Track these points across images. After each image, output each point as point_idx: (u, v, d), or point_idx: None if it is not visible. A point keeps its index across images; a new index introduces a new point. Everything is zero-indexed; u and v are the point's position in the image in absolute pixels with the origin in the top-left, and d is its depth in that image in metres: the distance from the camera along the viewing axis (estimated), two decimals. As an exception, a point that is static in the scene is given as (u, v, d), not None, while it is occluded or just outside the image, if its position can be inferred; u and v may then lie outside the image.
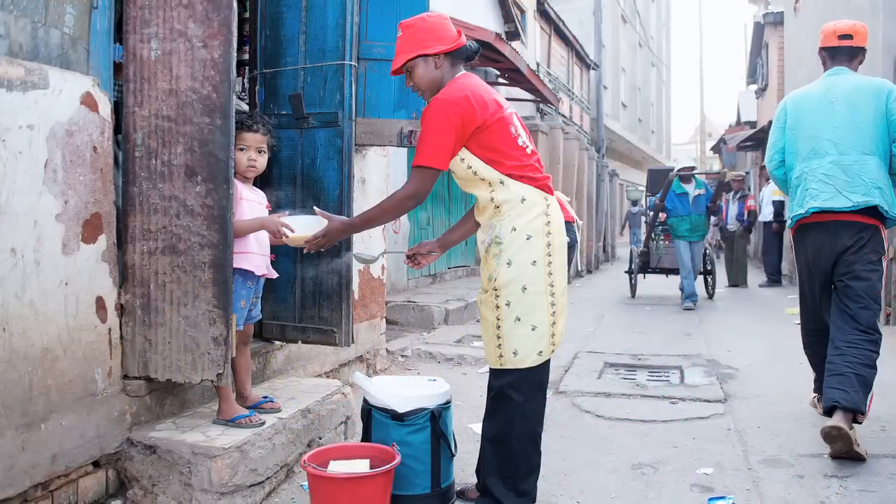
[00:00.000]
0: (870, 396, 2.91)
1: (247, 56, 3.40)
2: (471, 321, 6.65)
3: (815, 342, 3.35)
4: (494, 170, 2.25)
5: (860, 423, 2.92)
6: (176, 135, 2.38)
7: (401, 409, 2.40)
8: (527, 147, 2.33)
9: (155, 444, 2.35)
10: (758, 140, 14.45)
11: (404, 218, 7.65)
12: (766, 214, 10.52)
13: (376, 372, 4.49)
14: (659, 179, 10.66)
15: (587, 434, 3.30)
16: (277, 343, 3.35)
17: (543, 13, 14.65)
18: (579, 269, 12.18)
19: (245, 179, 2.64)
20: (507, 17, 11.78)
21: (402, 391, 2.48)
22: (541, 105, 12.68)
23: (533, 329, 2.25)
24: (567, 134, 11.94)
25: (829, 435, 2.78)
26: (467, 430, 3.27)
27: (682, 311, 7.74)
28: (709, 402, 3.82)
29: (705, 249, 8.64)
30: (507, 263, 2.25)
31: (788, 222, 3.37)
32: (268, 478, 2.47)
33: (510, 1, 11.68)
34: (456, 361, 4.95)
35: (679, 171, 8.37)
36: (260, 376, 3.22)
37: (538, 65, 13.84)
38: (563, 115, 14.58)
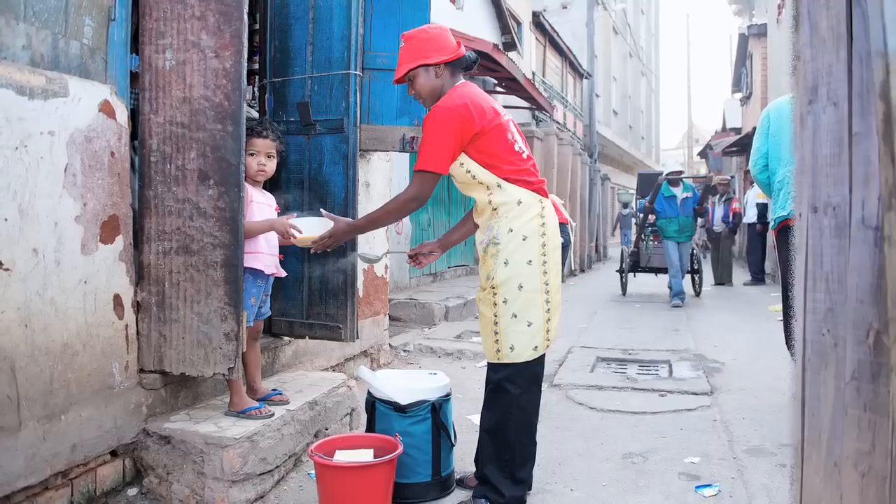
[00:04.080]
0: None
1: (257, 66, 3.46)
2: (470, 318, 6.71)
3: (798, 338, 3.46)
4: (492, 174, 2.31)
5: (839, 415, 3.04)
6: (189, 141, 2.45)
7: (403, 402, 2.47)
8: (523, 152, 2.38)
9: (170, 434, 2.42)
10: (742, 146, 14.63)
11: (406, 219, 7.74)
12: (751, 216, 10.68)
13: (380, 366, 4.54)
14: (648, 183, 10.79)
15: (580, 425, 3.37)
16: (286, 338, 3.41)
17: (539, 25, 14.76)
18: (572, 268, 12.31)
19: (255, 183, 2.70)
20: (504, 29, 11.88)
21: (404, 384, 2.54)
22: (536, 112, 12.76)
23: (529, 325, 2.31)
24: (561, 140, 12.07)
25: (810, 425, 2.89)
26: (466, 421, 3.33)
27: (671, 309, 7.88)
28: (696, 394, 3.90)
29: (692, 249, 8.79)
30: (505, 263, 2.31)
31: (771, 224, 3.45)
32: (277, 467, 2.54)
33: (507, 13, 11.80)
34: (455, 356, 5.00)
35: (667, 175, 8.52)
36: (269, 370, 3.28)
37: (534, 74, 13.93)
38: (557, 122, 14.66)
